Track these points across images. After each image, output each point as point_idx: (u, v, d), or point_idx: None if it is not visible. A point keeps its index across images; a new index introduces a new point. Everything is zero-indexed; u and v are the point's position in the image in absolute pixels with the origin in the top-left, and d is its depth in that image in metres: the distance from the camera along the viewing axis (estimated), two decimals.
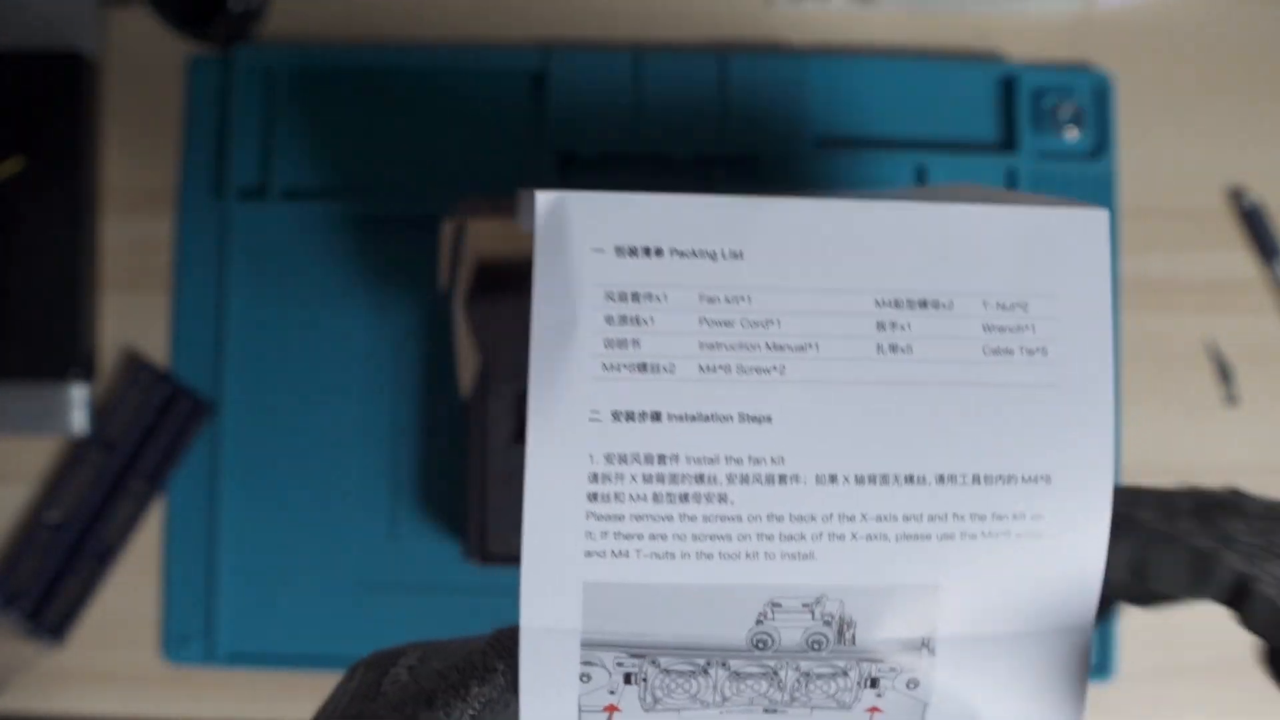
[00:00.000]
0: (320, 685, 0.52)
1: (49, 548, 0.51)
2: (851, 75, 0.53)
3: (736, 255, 0.18)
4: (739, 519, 0.18)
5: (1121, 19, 0.54)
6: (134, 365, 0.53)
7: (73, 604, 0.51)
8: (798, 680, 0.18)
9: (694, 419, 0.18)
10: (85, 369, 0.52)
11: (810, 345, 0.18)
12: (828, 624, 0.18)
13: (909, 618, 0.18)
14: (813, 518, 0.18)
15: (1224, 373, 0.53)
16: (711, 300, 0.18)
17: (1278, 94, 0.54)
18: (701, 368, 0.18)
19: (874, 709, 0.19)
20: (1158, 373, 0.53)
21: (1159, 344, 0.53)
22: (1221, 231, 0.53)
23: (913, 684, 0.18)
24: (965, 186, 0.22)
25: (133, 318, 0.53)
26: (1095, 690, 0.23)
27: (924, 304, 0.18)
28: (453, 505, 0.52)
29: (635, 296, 0.18)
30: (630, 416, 0.18)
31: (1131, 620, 0.50)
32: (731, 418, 0.18)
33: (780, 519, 0.18)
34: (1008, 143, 0.53)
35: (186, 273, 0.53)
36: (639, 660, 0.18)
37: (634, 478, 0.18)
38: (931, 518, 0.18)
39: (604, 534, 0.18)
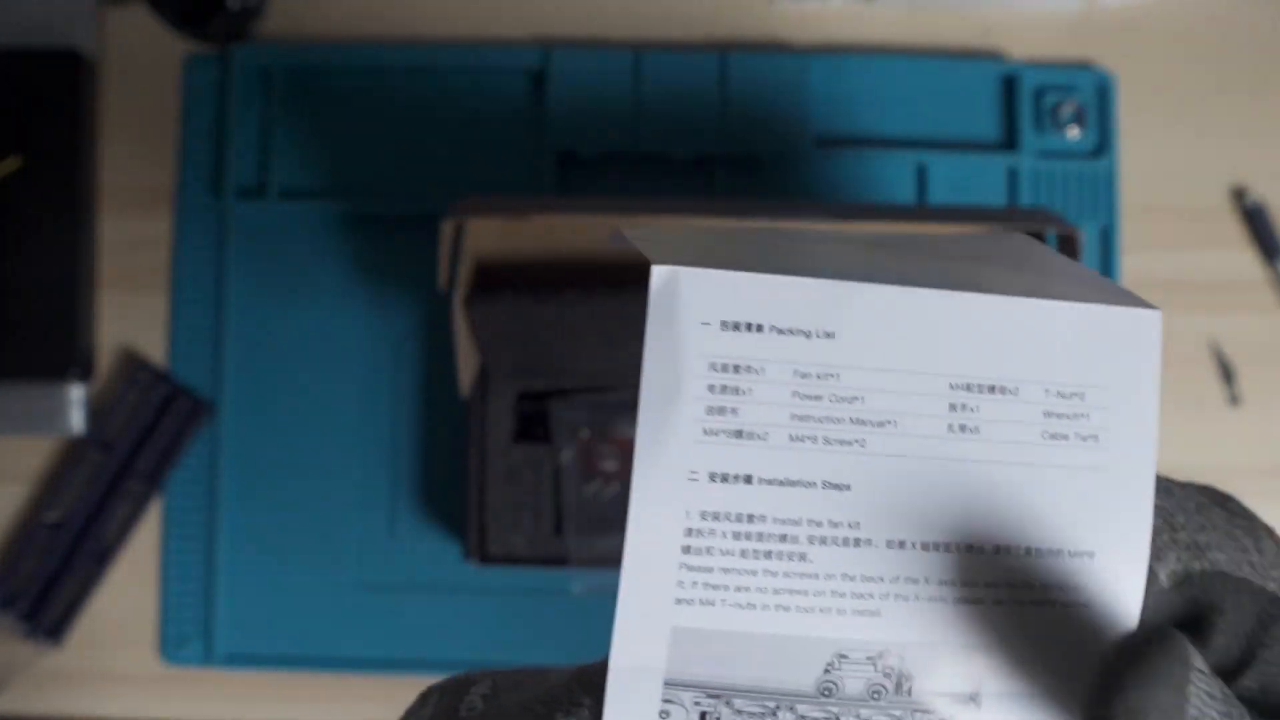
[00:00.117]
0: (320, 686, 0.52)
1: (47, 548, 0.51)
2: (852, 74, 0.53)
3: (829, 335, 0.19)
4: (816, 576, 0.20)
5: (1123, 17, 0.54)
6: (132, 365, 0.52)
7: (70, 605, 0.51)
8: None
9: (782, 483, 0.19)
10: (83, 369, 0.51)
11: (889, 422, 0.19)
12: (888, 676, 0.20)
13: (960, 673, 0.20)
14: (881, 579, 0.19)
15: (1226, 373, 0.52)
16: (804, 375, 0.19)
17: None
18: (791, 437, 0.19)
19: None
20: (1160, 373, 0.52)
21: (1160, 344, 0.52)
22: (1223, 231, 0.53)
23: None
24: (1017, 243, 0.23)
25: (131, 317, 0.53)
26: None
27: (993, 389, 0.19)
28: (453, 505, 0.51)
29: (736, 369, 0.19)
30: (725, 479, 0.19)
31: None
32: (815, 484, 0.19)
33: (853, 579, 0.19)
34: (1009, 142, 0.53)
35: (185, 272, 0.53)
36: (715, 700, 0.20)
37: (725, 534, 0.19)
38: (987, 585, 0.20)
39: (694, 584, 0.20)
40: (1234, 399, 0.52)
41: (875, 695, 0.20)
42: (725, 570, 0.20)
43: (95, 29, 0.53)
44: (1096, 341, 0.20)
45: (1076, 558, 0.20)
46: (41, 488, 0.52)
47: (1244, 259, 0.53)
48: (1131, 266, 0.53)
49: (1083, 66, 0.53)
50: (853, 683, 0.20)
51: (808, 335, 0.19)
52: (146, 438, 0.52)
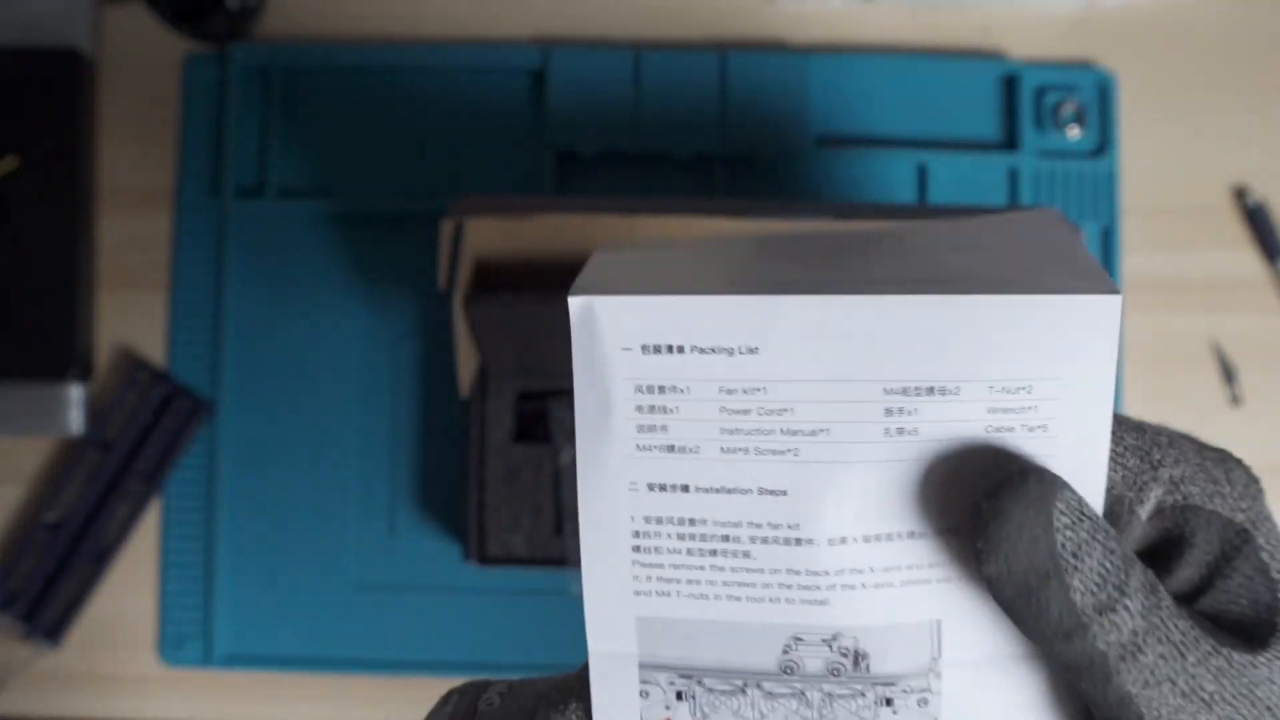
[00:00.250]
0: (319, 686, 0.52)
1: (46, 548, 0.51)
2: (852, 73, 0.53)
3: (752, 350, 0.19)
4: (761, 571, 0.20)
5: (1124, 16, 0.54)
6: (131, 365, 0.52)
7: (69, 605, 0.51)
8: (823, 699, 0.20)
9: (718, 491, 0.20)
10: (82, 368, 0.51)
11: (822, 430, 0.19)
12: (844, 655, 0.20)
13: (916, 648, 0.20)
14: (826, 572, 0.20)
15: (1227, 372, 0.52)
16: (730, 391, 0.19)
17: None
18: (723, 449, 0.20)
19: None
20: (1161, 372, 0.52)
21: (1162, 344, 0.52)
22: (1225, 230, 0.53)
23: (922, 702, 0.20)
24: (965, 214, 0.22)
25: (130, 317, 0.53)
26: None
27: (930, 391, 0.19)
28: (452, 505, 0.51)
29: (661, 389, 0.20)
30: (663, 488, 0.20)
31: None
32: (751, 491, 0.20)
33: (797, 573, 0.20)
34: (1009, 141, 0.53)
35: (184, 272, 0.53)
36: (687, 680, 0.21)
37: (669, 535, 0.20)
38: (932, 565, 0.20)
39: (649, 578, 0.21)
40: (1235, 399, 0.52)
41: (835, 672, 0.20)
42: (675, 566, 0.20)
43: (94, 28, 0.53)
44: (1046, 333, 0.19)
45: None
46: (40, 488, 0.52)
47: (1245, 259, 0.53)
48: (1132, 266, 0.53)
49: (1083, 66, 0.53)
50: (812, 662, 0.20)
51: (730, 353, 0.19)
52: (146, 438, 0.51)
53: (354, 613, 0.51)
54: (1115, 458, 0.20)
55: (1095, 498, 0.20)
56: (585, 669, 0.23)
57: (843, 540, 0.20)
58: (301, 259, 0.53)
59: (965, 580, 0.20)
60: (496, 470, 0.49)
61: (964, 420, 0.19)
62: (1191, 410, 0.52)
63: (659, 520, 0.20)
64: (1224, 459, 0.21)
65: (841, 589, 0.20)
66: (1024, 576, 0.18)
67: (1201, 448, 0.21)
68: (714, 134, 0.52)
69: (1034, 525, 0.18)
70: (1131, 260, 0.53)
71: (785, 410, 0.19)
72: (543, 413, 0.49)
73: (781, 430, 0.19)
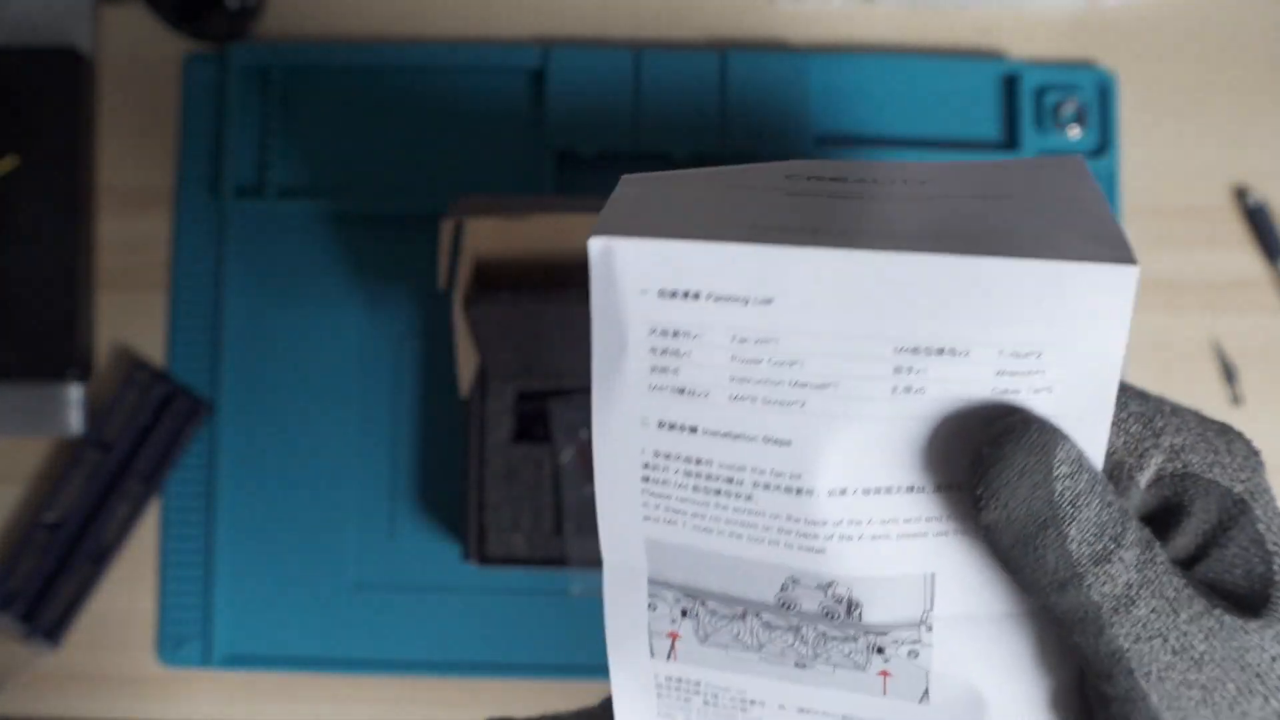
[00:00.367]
0: (319, 686, 0.52)
1: (45, 549, 0.51)
2: (852, 73, 0.53)
3: (767, 301, 0.19)
4: (762, 514, 0.20)
5: (1124, 16, 0.54)
6: (130, 365, 0.52)
7: (68, 605, 0.51)
8: (818, 638, 0.21)
9: (725, 435, 0.20)
10: (81, 368, 0.51)
11: (830, 384, 0.19)
12: (838, 602, 0.21)
13: (908, 600, 0.20)
14: (824, 522, 0.20)
15: (1228, 372, 0.52)
16: (742, 341, 0.20)
17: None
18: (732, 396, 0.20)
19: (884, 672, 0.21)
20: (1162, 372, 0.52)
21: (1163, 343, 0.52)
22: (1225, 231, 0.53)
23: (913, 654, 0.21)
24: (1050, 174, 0.22)
25: (129, 317, 0.53)
26: None
27: (941, 351, 0.19)
28: (452, 505, 0.51)
29: (675, 334, 0.20)
30: (672, 426, 0.20)
31: None
32: (756, 438, 0.20)
33: (796, 520, 0.20)
34: (1010, 141, 0.53)
35: (183, 272, 0.53)
36: (692, 600, 0.22)
37: (677, 470, 0.21)
38: (929, 519, 0.20)
39: (657, 505, 0.21)
40: (1236, 399, 0.52)
41: (829, 616, 0.21)
42: (681, 499, 0.21)
43: (93, 28, 0.53)
44: (1061, 300, 0.19)
45: None
46: (40, 488, 0.52)
47: (1245, 259, 0.53)
48: None
49: (1084, 66, 0.53)
50: (807, 603, 0.21)
51: (744, 302, 0.19)
52: (145, 437, 0.51)
53: (354, 613, 0.51)
54: (1118, 423, 0.20)
55: (1096, 459, 0.20)
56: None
57: (842, 492, 0.20)
58: (301, 259, 0.52)
59: (962, 534, 0.20)
60: (496, 470, 0.49)
61: (971, 381, 0.19)
62: None
63: (667, 456, 0.21)
64: (1225, 430, 0.21)
65: (839, 539, 0.20)
66: (1022, 524, 0.18)
67: (1204, 419, 0.21)
68: (714, 134, 0.52)
69: (1035, 471, 0.18)
70: None
71: (795, 362, 0.19)
72: (543, 413, 0.49)
73: (790, 382, 0.20)
